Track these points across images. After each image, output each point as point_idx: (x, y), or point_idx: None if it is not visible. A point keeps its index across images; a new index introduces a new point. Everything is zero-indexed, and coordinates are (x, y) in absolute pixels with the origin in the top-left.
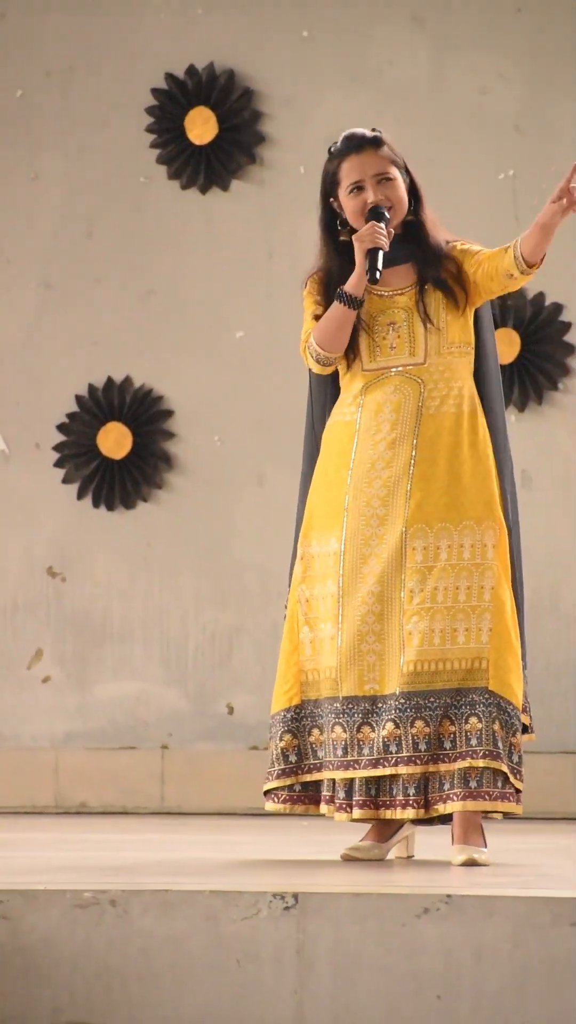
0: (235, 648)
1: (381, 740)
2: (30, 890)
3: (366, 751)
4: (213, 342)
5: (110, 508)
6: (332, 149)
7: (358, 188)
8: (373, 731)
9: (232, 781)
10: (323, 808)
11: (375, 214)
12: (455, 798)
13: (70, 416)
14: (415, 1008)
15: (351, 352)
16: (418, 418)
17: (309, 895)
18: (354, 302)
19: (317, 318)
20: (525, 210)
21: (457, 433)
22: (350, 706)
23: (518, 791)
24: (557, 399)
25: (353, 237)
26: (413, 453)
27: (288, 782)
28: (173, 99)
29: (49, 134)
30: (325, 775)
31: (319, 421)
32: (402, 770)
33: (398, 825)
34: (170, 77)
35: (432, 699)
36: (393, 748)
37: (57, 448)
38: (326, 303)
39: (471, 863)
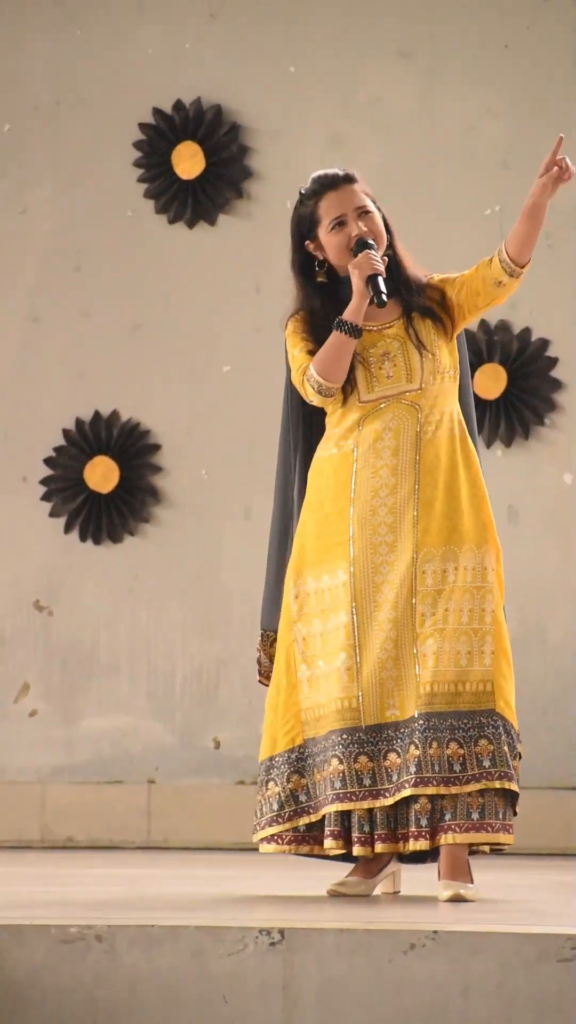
0: (222, 682)
1: (405, 763)
2: (16, 925)
3: (394, 777)
4: (200, 376)
5: (97, 542)
6: (303, 191)
7: (340, 223)
8: (399, 757)
9: (219, 815)
10: (329, 843)
11: (364, 244)
12: (457, 829)
13: (57, 450)
14: None
15: (347, 385)
16: (418, 444)
17: (295, 931)
18: (355, 330)
19: (311, 353)
20: None
21: (453, 458)
22: (374, 735)
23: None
24: (544, 434)
25: (350, 266)
26: (416, 478)
27: (296, 823)
28: (161, 134)
29: (37, 168)
30: (330, 809)
31: (300, 460)
32: (421, 790)
33: (385, 861)
34: (158, 112)
35: (445, 720)
36: (413, 768)
37: (44, 482)
38: (315, 340)
39: (458, 899)
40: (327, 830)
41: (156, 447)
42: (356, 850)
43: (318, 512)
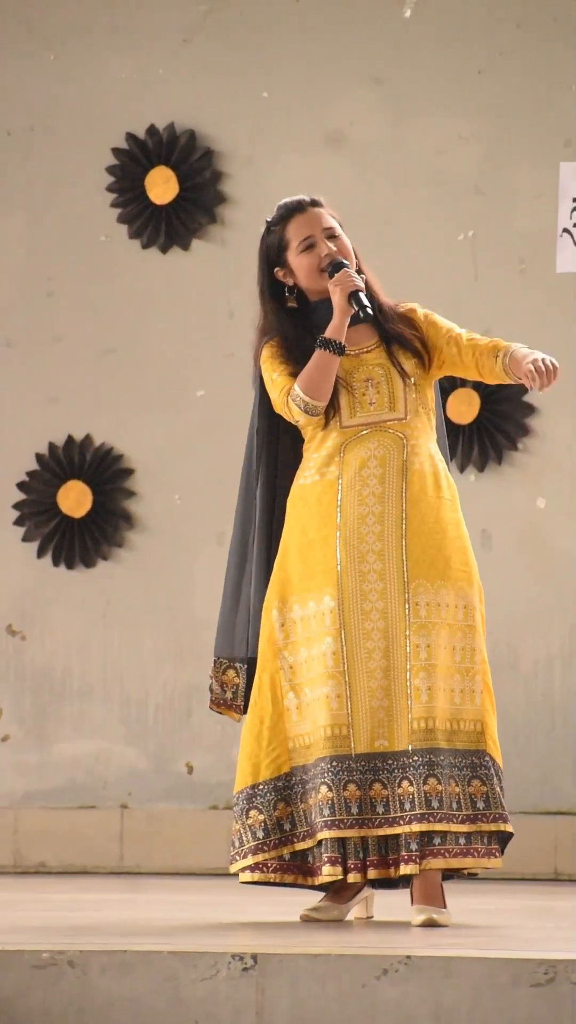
0: (195, 707)
1: (396, 798)
2: None
3: (380, 809)
4: (174, 401)
5: (70, 566)
6: (270, 220)
7: (310, 245)
8: (385, 788)
9: (192, 841)
10: (328, 870)
11: (339, 264)
12: (446, 855)
13: (30, 474)
14: None
15: (330, 408)
16: (404, 474)
17: (268, 956)
18: (339, 348)
19: (292, 375)
20: (485, 270)
21: (438, 492)
22: (363, 763)
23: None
24: (517, 459)
25: (329, 285)
26: (404, 507)
27: (282, 851)
28: (134, 159)
29: (10, 193)
30: (324, 836)
31: (262, 486)
32: (416, 827)
33: (358, 887)
34: (131, 137)
35: (441, 757)
36: (407, 806)
37: (17, 506)
38: (294, 363)
39: (431, 924)
40: (325, 856)
41: (129, 472)
42: (351, 877)
43: (302, 539)
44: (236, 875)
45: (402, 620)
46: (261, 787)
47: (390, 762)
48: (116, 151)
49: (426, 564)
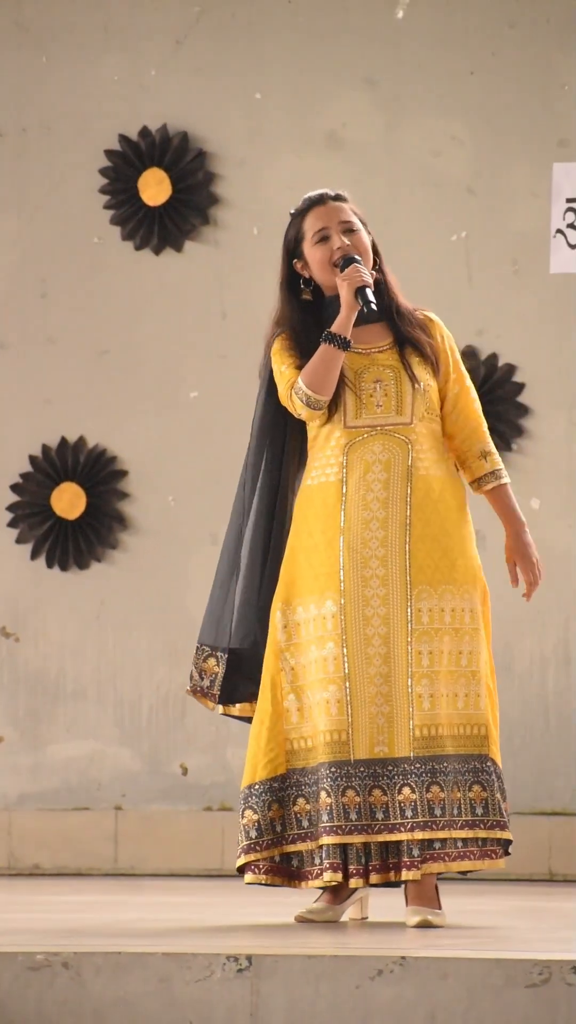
0: (189, 708)
1: (397, 804)
2: None
3: (379, 815)
4: (167, 402)
5: (64, 568)
6: (293, 211)
7: (324, 237)
8: (385, 795)
9: (186, 842)
10: (328, 876)
11: (350, 259)
12: (446, 858)
13: (24, 476)
14: None
15: (333, 405)
16: (409, 478)
17: (263, 957)
18: (344, 342)
19: (299, 368)
20: (478, 271)
21: (444, 497)
22: (362, 769)
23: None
24: (511, 460)
25: (338, 279)
26: (408, 512)
27: (273, 853)
28: (127, 160)
29: (3, 194)
30: (325, 841)
31: (272, 480)
32: (418, 835)
33: (352, 887)
34: (123, 138)
35: (444, 764)
36: (409, 813)
37: (11, 508)
38: (303, 356)
39: (426, 925)
40: (326, 861)
41: (123, 473)
42: (353, 882)
43: (307, 541)
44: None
45: (404, 627)
46: (256, 787)
47: (390, 768)
48: (109, 153)
49: (430, 569)
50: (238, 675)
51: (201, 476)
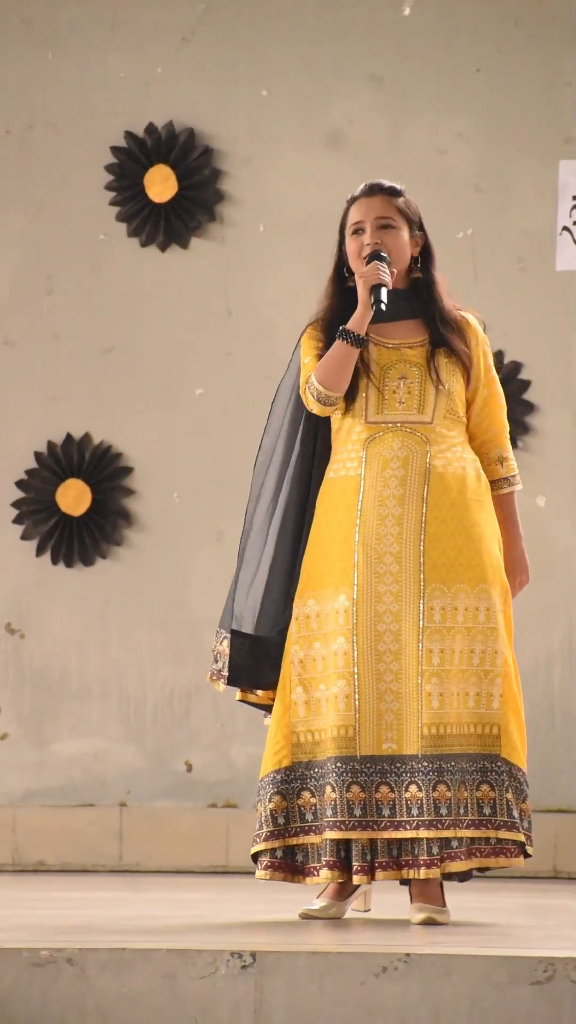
0: (193, 705)
1: (404, 802)
2: None
3: (386, 812)
4: (172, 399)
5: (69, 565)
6: (349, 198)
7: (358, 230)
8: (393, 791)
9: (191, 839)
10: (324, 874)
11: (375, 255)
12: (462, 856)
13: (29, 473)
14: None
15: (354, 399)
16: (426, 476)
17: (267, 953)
18: (357, 340)
19: (319, 359)
20: (484, 269)
21: (465, 494)
22: (368, 766)
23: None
24: (517, 457)
25: (356, 276)
26: (424, 510)
27: (274, 845)
28: (133, 157)
29: (9, 191)
30: (329, 836)
31: (305, 471)
32: (423, 834)
33: (357, 884)
34: (130, 135)
35: (452, 763)
36: (415, 811)
37: (16, 504)
38: (328, 348)
39: (430, 922)
40: (323, 859)
41: (128, 470)
42: (356, 879)
43: (324, 534)
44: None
45: (415, 624)
46: (264, 780)
47: (398, 766)
48: (115, 149)
49: (444, 568)
50: (267, 662)
51: (206, 473)
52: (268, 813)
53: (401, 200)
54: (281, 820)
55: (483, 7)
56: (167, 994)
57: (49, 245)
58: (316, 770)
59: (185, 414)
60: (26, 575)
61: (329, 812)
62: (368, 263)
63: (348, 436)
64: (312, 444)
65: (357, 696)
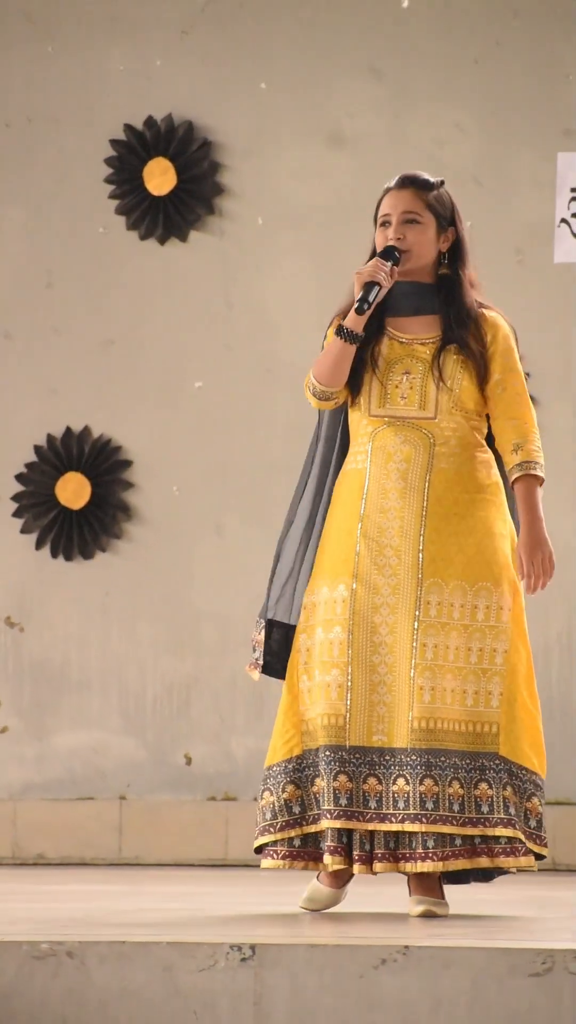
0: (193, 698)
1: (391, 795)
2: None
3: (372, 804)
4: (172, 392)
5: (68, 558)
6: (384, 189)
7: (384, 223)
8: (380, 783)
9: (190, 832)
10: (327, 860)
11: (384, 252)
12: (465, 855)
13: (28, 466)
14: None
15: (359, 393)
16: (428, 471)
17: (266, 946)
18: (351, 336)
19: None
20: (483, 261)
21: (470, 492)
22: (357, 756)
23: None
24: None
25: (356, 272)
26: (424, 505)
27: (292, 834)
28: (132, 150)
29: (9, 185)
30: (323, 825)
31: (325, 469)
32: (408, 827)
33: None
34: (129, 128)
35: (443, 758)
36: (401, 804)
37: (15, 498)
38: None
39: (429, 915)
40: (325, 845)
41: (128, 463)
42: (356, 868)
43: (332, 525)
44: (249, 862)
45: (411, 618)
46: (274, 768)
47: (387, 758)
48: (114, 142)
49: (443, 564)
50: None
51: (206, 466)
52: (282, 802)
53: (432, 194)
54: (297, 809)
55: None
56: (167, 987)
57: (48, 238)
58: (311, 759)
59: (185, 407)
60: (26, 568)
61: (318, 800)
62: (382, 258)
63: (357, 430)
64: (335, 438)
65: (350, 686)
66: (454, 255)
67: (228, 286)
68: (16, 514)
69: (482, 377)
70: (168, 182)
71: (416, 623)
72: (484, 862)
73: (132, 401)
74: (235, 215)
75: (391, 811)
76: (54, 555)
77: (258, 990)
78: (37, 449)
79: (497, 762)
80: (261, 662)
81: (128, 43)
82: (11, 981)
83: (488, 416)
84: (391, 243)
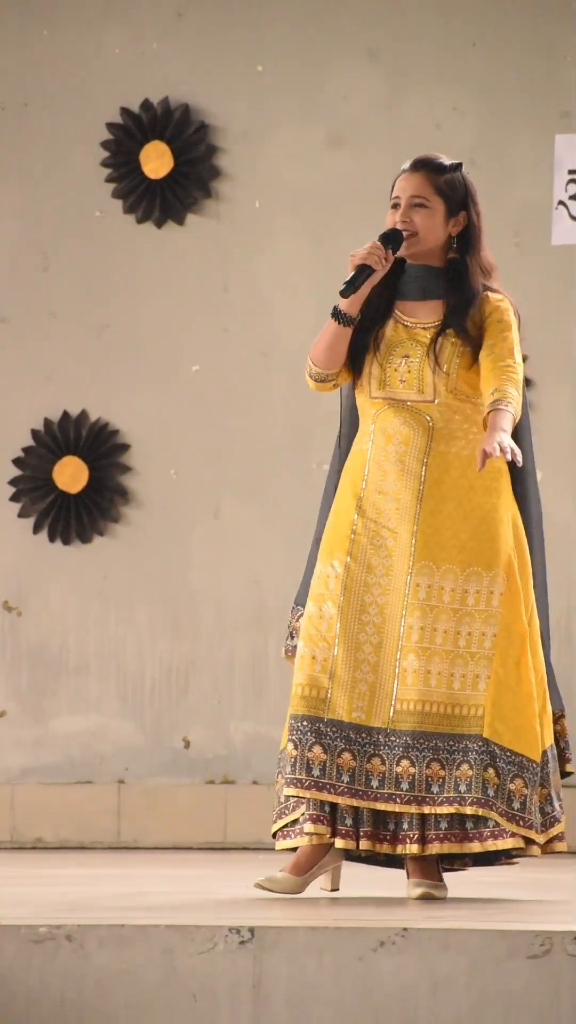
0: (191, 681)
1: (365, 772)
2: None
3: (345, 779)
4: (169, 376)
5: (66, 542)
6: (401, 168)
7: (394, 206)
8: (355, 760)
9: (189, 815)
10: (308, 827)
11: (385, 236)
12: (453, 839)
13: (26, 450)
14: None
15: (360, 375)
16: (426, 454)
17: (265, 929)
18: (344, 319)
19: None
20: None
21: (468, 477)
22: (333, 729)
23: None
24: None
25: (351, 253)
26: (421, 488)
27: (308, 794)
28: (128, 133)
29: (5, 168)
30: (289, 792)
31: (346, 450)
32: (380, 805)
33: (318, 857)
34: (125, 111)
35: (421, 740)
36: (375, 783)
37: (13, 482)
38: (360, 321)
39: (428, 897)
40: (308, 814)
41: (125, 447)
42: (339, 842)
43: (337, 503)
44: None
45: (401, 599)
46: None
47: (364, 736)
48: (110, 126)
49: (436, 547)
50: None
51: (203, 449)
52: (304, 760)
53: (444, 178)
54: (316, 772)
55: None
56: (166, 970)
57: (45, 222)
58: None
59: (182, 390)
60: (23, 553)
61: (288, 768)
62: (384, 241)
63: (362, 412)
64: (350, 420)
65: (334, 661)
66: (464, 240)
67: (225, 269)
68: (14, 498)
69: (476, 358)
70: (165, 165)
71: (405, 604)
72: (475, 847)
73: (129, 385)
74: (232, 198)
75: (363, 788)
76: (52, 539)
77: (257, 973)
78: (34, 433)
79: (480, 744)
80: (293, 647)
81: (124, 26)
82: (10, 965)
83: None
84: (395, 227)
